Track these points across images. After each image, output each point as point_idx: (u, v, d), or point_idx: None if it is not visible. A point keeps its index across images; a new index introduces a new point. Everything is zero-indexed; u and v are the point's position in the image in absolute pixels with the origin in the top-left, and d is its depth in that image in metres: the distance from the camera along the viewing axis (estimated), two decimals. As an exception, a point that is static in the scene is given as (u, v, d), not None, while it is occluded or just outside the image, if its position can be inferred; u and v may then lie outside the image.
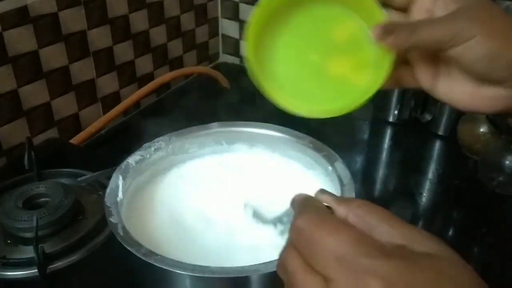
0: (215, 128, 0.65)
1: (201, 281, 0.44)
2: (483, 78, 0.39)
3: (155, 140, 0.62)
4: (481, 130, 0.83)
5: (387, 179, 0.88)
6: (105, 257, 0.62)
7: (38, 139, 0.84)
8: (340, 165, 0.56)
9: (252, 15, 0.44)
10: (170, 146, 0.62)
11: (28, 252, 0.60)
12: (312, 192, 0.34)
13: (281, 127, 0.63)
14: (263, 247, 0.49)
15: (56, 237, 0.63)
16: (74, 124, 0.91)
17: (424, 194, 0.82)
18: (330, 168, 0.57)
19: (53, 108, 0.86)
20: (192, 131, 0.64)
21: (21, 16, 0.76)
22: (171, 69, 1.09)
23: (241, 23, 1.18)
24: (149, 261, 0.44)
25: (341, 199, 0.31)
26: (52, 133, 0.87)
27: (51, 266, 0.60)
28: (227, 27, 1.21)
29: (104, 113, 0.96)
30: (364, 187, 0.84)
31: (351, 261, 0.26)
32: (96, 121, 0.93)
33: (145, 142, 0.61)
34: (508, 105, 0.40)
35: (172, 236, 0.54)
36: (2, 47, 0.75)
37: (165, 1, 1.02)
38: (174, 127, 0.64)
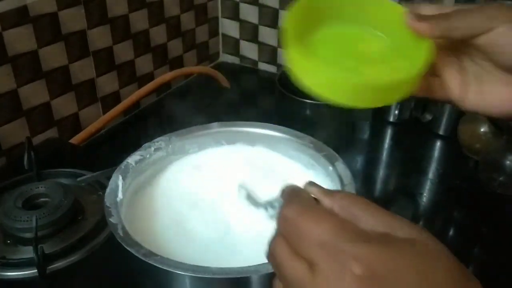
0: (215, 128, 0.65)
1: (202, 282, 0.44)
2: None
3: (155, 140, 0.61)
4: (482, 130, 0.83)
5: (388, 179, 0.88)
6: (105, 257, 0.62)
7: (38, 139, 0.84)
8: (340, 165, 0.56)
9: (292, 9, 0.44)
10: (170, 146, 0.62)
11: (28, 252, 0.60)
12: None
13: (281, 127, 0.63)
14: (265, 245, 0.48)
15: (56, 238, 0.63)
16: (74, 124, 0.91)
17: (425, 194, 0.82)
18: (330, 168, 0.56)
19: (53, 108, 0.86)
20: (192, 131, 0.64)
21: (20, 15, 0.76)
22: (171, 69, 1.09)
23: (241, 23, 1.18)
24: (149, 262, 0.44)
25: (327, 191, 0.32)
26: (52, 133, 0.87)
27: (50, 267, 0.60)
28: (227, 26, 1.21)
29: (104, 113, 0.95)
30: (365, 187, 0.84)
31: (334, 247, 0.27)
32: (96, 121, 0.93)
33: (145, 142, 0.61)
34: None
35: (172, 236, 0.53)
36: (1, 46, 0.75)
37: (165, 0, 1.02)
38: (174, 127, 0.64)
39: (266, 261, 0.31)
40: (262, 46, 1.19)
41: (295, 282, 0.28)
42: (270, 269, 0.41)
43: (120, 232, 0.47)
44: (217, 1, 1.18)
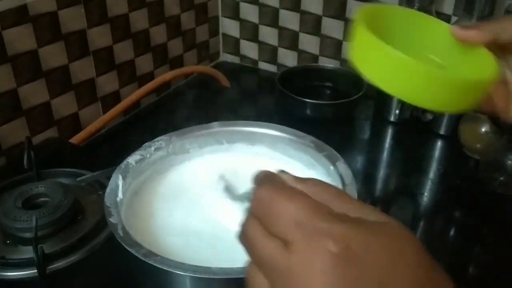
0: (216, 127, 0.64)
1: (202, 282, 0.44)
2: None
3: (155, 139, 0.61)
4: (483, 129, 0.82)
5: (388, 179, 0.88)
6: (105, 257, 0.62)
7: (38, 139, 0.84)
8: (341, 165, 0.55)
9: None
10: (171, 146, 0.62)
11: (28, 252, 0.60)
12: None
13: (282, 126, 0.63)
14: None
15: (56, 237, 0.63)
16: (74, 123, 0.91)
17: (426, 194, 0.82)
18: (331, 167, 0.56)
19: (53, 107, 0.86)
20: (193, 130, 0.64)
21: (20, 15, 0.76)
22: (171, 68, 1.09)
23: (242, 22, 1.18)
24: (149, 262, 0.43)
25: (299, 178, 0.32)
26: (52, 132, 0.87)
27: (50, 267, 0.59)
28: (228, 26, 1.21)
29: (104, 113, 0.95)
30: (365, 187, 0.84)
31: (311, 225, 0.27)
32: (96, 121, 0.93)
33: (145, 142, 0.61)
34: None
35: (172, 236, 0.53)
36: (1, 46, 0.74)
37: (165, 0, 1.02)
38: (175, 126, 0.64)
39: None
40: (262, 45, 1.18)
41: (270, 261, 0.28)
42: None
43: (120, 232, 0.47)
44: (217, 1, 1.18)
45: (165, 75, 1.05)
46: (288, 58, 1.16)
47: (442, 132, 0.94)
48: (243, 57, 1.23)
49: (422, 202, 0.80)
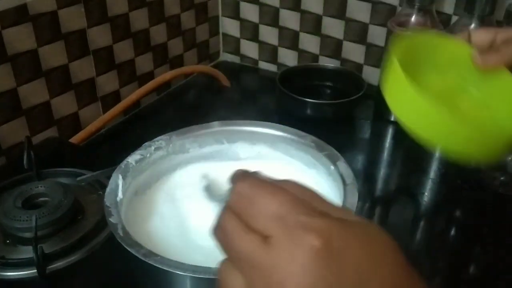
0: (216, 127, 0.64)
1: (202, 282, 0.44)
2: None
3: (155, 139, 0.61)
4: (484, 129, 0.82)
5: (389, 178, 0.88)
6: (105, 257, 0.62)
7: (38, 138, 0.84)
8: (342, 164, 0.55)
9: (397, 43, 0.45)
10: (171, 145, 0.62)
11: (27, 252, 0.60)
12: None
13: (282, 126, 0.63)
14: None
15: (56, 237, 0.63)
16: (74, 123, 0.91)
17: (426, 194, 0.82)
18: (332, 167, 0.56)
19: (53, 107, 0.85)
20: (193, 130, 0.64)
21: (20, 14, 0.75)
22: (171, 68, 1.09)
23: (242, 22, 1.18)
24: (149, 262, 0.43)
25: (278, 179, 0.32)
26: (52, 132, 0.87)
27: (50, 267, 0.59)
28: (228, 25, 1.21)
29: (104, 112, 0.95)
30: (366, 187, 0.83)
31: (291, 219, 0.27)
32: (96, 120, 0.93)
33: (145, 141, 0.61)
34: None
35: (172, 236, 0.53)
36: (1, 45, 0.74)
37: (165, -1, 1.02)
38: (175, 126, 0.64)
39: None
40: (262, 45, 1.18)
41: (248, 256, 0.28)
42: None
43: (120, 232, 0.47)
44: (217, 0, 1.18)
45: (165, 75, 1.05)
46: (288, 58, 1.16)
47: (442, 131, 0.94)
48: (243, 57, 1.23)
49: (422, 202, 0.80)
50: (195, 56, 1.17)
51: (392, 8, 0.99)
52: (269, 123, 0.64)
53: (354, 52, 1.08)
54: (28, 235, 0.61)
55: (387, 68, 0.44)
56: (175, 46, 1.09)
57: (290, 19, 1.11)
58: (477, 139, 0.42)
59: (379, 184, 0.86)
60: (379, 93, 1.04)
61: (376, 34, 1.03)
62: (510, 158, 0.76)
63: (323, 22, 1.08)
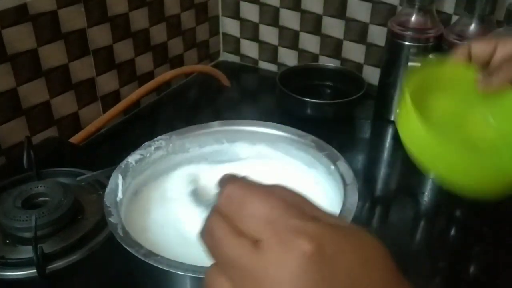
0: (216, 126, 0.64)
1: (202, 282, 0.44)
2: None
3: (155, 139, 0.61)
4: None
5: (389, 178, 0.88)
6: (105, 257, 0.62)
7: (37, 138, 0.83)
8: (342, 164, 0.55)
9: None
10: (171, 145, 0.62)
11: (27, 252, 0.60)
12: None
13: (282, 126, 0.63)
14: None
15: (55, 237, 0.63)
16: (74, 123, 0.90)
17: (426, 193, 0.82)
18: (332, 167, 0.56)
19: (53, 107, 0.85)
20: (193, 129, 0.63)
21: (20, 14, 0.75)
22: (172, 68, 1.09)
23: (242, 22, 1.18)
24: (149, 262, 0.43)
25: (266, 184, 0.31)
26: (52, 132, 0.87)
27: (50, 266, 0.59)
28: (228, 25, 1.21)
29: (104, 112, 0.95)
30: (366, 186, 0.83)
31: (283, 222, 0.27)
32: (96, 120, 0.93)
33: (145, 141, 0.60)
34: None
35: (172, 236, 0.53)
36: (1, 45, 0.74)
37: (165, -1, 1.02)
38: (175, 126, 0.64)
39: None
40: (262, 45, 1.18)
41: (238, 261, 0.27)
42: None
43: (120, 232, 0.47)
44: (218, 0, 1.18)
45: (165, 75, 1.05)
46: (289, 58, 1.16)
47: (443, 131, 0.94)
48: (243, 57, 1.23)
49: (422, 202, 0.80)
50: (195, 56, 1.17)
51: (392, 8, 0.99)
52: (269, 123, 0.64)
53: (354, 51, 1.08)
54: (28, 235, 0.61)
55: (400, 102, 0.45)
56: (175, 46, 1.09)
57: (290, 19, 1.11)
58: (487, 178, 0.43)
59: (379, 184, 0.86)
60: (379, 92, 1.04)
61: (376, 34, 1.03)
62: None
63: (323, 21, 1.07)
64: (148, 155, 0.59)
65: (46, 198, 0.66)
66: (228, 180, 0.30)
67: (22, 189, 0.66)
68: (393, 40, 0.91)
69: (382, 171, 0.89)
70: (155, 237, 0.53)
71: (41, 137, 0.84)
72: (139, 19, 0.97)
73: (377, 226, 0.76)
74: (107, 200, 0.51)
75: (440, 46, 0.88)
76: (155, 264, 0.43)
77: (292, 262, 0.25)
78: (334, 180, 0.56)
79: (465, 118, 0.50)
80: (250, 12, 1.15)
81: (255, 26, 1.17)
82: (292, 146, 0.62)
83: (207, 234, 0.29)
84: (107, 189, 0.53)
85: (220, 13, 1.20)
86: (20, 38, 0.76)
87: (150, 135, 0.62)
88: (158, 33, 1.03)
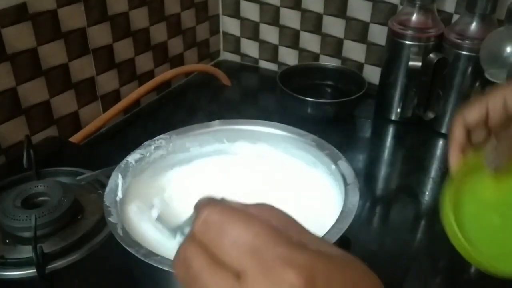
0: (216, 126, 0.64)
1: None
2: None
3: (155, 138, 0.61)
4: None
5: (390, 178, 0.87)
6: (105, 257, 0.62)
7: (37, 138, 0.83)
8: (343, 164, 0.55)
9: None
10: (171, 145, 0.61)
11: (27, 251, 0.59)
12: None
13: (283, 125, 0.63)
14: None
15: (55, 237, 0.63)
16: (74, 122, 0.90)
17: (427, 193, 0.81)
18: (333, 166, 0.56)
19: (53, 106, 0.85)
20: (193, 129, 0.63)
21: (20, 13, 0.75)
22: (172, 67, 1.09)
23: (242, 21, 1.18)
24: (149, 262, 0.43)
25: (250, 203, 0.28)
26: (51, 131, 0.86)
27: (50, 266, 0.59)
28: (228, 24, 1.20)
29: (104, 111, 0.95)
30: (367, 186, 0.83)
31: (268, 252, 0.24)
32: (96, 119, 0.93)
33: (145, 140, 0.60)
34: None
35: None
36: (0, 44, 0.74)
37: (165, -2, 1.02)
38: (175, 125, 0.64)
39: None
40: (263, 44, 1.18)
41: None
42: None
43: (120, 232, 0.47)
44: (218, -1, 1.18)
45: (165, 74, 1.05)
46: (289, 57, 1.16)
47: (443, 131, 0.93)
48: (243, 56, 1.23)
49: (423, 201, 0.80)
50: (196, 55, 1.17)
51: (393, 7, 0.99)
52: (270, 122, 0.64)
53: (354, 51, 1.07)
54: (27, 234, 0.61)
55: (443, 217, 0.47)
56: (175, 45, 1.09)
57: (290, 18, 1.11)
58: None
59: (380, 183, 0.86)
60: (380, 92, 1.04)
61: (377, 33, 1.03)
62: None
63: (324, 21, 1.07)
64: (148, 154, 0.59)
65: (46, 198, 0.66)
66: (204, 204, 0.27)
67: (21, 189, 0.66)
68: (394, 39, 0.91)
69: (383, 171, 0.88)
70: (155, 236, 0.52)
71: (41, 137, 0.84)
72: (139, 18, 0.97)
73: (378, 225, 0.76)
74: (107, 200, 0.51)
75: (441, 45, 0.88)
76: (155, 264, 0.43)
77: None
78: (335, 179, 0.55)
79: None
80: (250, 11, 1.15)
81: (256, 25, 1.16)
82: (293, 145, 0.62)
83: (182, 265, 0.26)
84: (107, 189, 0.53)
85: (221, 12, 1.19)
86: (19, 37, 0.76)
87: (150, 135, 0.61)
88: (158, 32, 1.03)
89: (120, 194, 0.52)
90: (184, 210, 0.54)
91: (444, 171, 0.85)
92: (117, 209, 0.50)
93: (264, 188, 0.59)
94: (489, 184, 0.48)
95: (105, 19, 0.90)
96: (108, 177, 0.55)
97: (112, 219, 0.48)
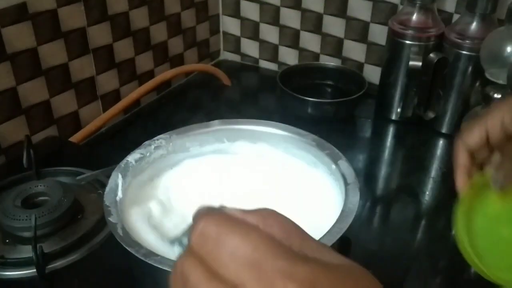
0: (216, 125, 0.64)
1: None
2: None
3: (155, 138, 0.61)
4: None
5: (390, 178, 0.87)
6: (105, 257, 0.61)
7: (37, 137, 0.83)
8: (344, 164, 0.55)
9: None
10: (171, 144, 0.61)
11: (27, 251, 0.59)
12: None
13: (283, 125, 0.63)
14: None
15: (55, 237, 0.63)
16: (74, 122, 0.90)
17: (427, 193, 0.81)
18: (333, 166, 0.56)
19: (52, 106, 0.85)
20: (193, 129, 0.63)
21: (20, 12, 0.75)
22: (172, 67, 1.09)
23: (242, 21, 1.18)
24: (149, 262, 0.43)
25: (248, 210, 0.27)
26: (51, 131, 0.86)
27: (49, 266, 0.59)
28: (228, 24, 1.20)
29: (104, 111, 0.95)
30: (367, 186, 0.83)
31: (268, 265, 0.23)
32: (96, 119, 0.93)
33: (145, 140, 0.60)
34: None
35: (171, 235, 0.53)
36: (0, 44, 0.74)
37: (165, -2, 1.02)
38: (175, 125, 0.64)
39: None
40: (263, 43, 1.18)
41: None
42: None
43: (120, 232, 0.47)
44: (218, -1, 1.18)
45: (165, 74, 1.05)
46: (289, 56, 1.16)
47: (444, 130, 0.93)
48: (243, 55, 1.23)
49: (424, 201, 0.80)
50: (196, 55, 1.17)
51: (393, 7, 0.99)
52: (270, 121, 0.63)
53: (355, 50, 1.07)
54: (27, 234, 0.61)
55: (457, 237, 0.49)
56: (176, 45, 1.09)
57: (290, 17, 1.11)
58: None
59: (380, 183, 0.86)
60: (380, 91, 1.04)
61: (377, 33, 1.03)
62: None
63: (324, 20, 1.07)
64: (148, 154, 0.59)
65: (46, 198, 0.66)
66: (202, 215, 0.26)
67: (21, 189, 0.66)
68: (394, 39, 0.91)
69: (383, 170, 0.88)
70: (155, 236, 0.52)
71: (41, 136, 0.84)
72: (139, 18, 0.97)
73: (378, 225, 0.76)
74: (107, 200, 0.51)
75: (441, 45, 0.88)
76: (155, 264, 0.43)
77: None
78: (335, 179, 0.55)
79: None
80: (250, 10, 1.15)
81: (256, 25, 1.16)
82: (293, 145, 0.62)
83: (180, 280, 0.25)
84: (107, 189, 0.53)
85: (221, 12, 1.19)
86: (19, 36, 0.76)
87: (150, 134, 0.61)
88: (158, 32, 1.03)
89: (120, 194, 0.52)
90: (184, 210, 0.54)
91: (445, 171, 0.85)
92: (117, 209, 0.50)
93: (264, 188, 0.59)
94: (496, 199, 0.49)
95: (105, 18, 0.89)
96: (108, 177, 0.55)
97: (112, 219, 0.48)
